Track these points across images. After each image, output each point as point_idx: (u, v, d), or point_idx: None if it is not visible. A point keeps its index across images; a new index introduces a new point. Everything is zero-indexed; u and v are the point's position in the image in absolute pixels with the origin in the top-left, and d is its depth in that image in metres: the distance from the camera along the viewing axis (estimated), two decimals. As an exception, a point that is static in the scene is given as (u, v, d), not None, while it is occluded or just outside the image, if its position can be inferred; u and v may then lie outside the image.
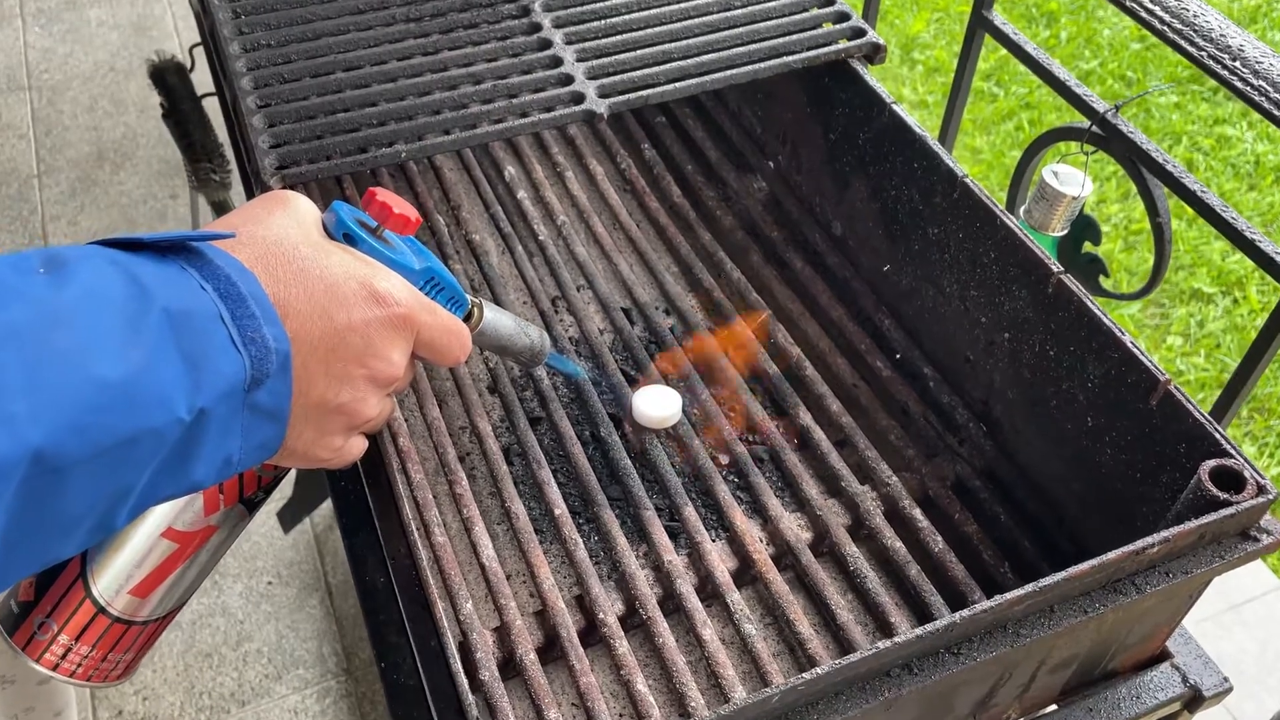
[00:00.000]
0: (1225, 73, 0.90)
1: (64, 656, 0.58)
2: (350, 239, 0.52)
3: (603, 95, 0.78)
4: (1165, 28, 0.95)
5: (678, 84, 0.79)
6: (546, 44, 0.82)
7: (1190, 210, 0.97)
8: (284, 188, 0.70)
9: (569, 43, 0.82)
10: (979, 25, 1.15)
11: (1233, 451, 0.58)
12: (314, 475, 1.09)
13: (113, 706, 1.39)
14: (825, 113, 0.89)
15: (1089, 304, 0.66)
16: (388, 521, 0.64)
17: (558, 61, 0.81)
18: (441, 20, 0.84)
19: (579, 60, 0.81)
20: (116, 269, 0.42)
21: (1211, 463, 0.57)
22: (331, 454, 0.53)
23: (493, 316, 0.62)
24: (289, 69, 0.78)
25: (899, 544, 0.70)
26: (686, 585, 0.67)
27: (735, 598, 0.67)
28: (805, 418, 0.77)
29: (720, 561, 0.69)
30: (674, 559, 0.68)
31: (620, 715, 0.65)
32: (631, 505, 0.72)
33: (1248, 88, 0.89)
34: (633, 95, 0.78)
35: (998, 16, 1.13)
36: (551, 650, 0.66)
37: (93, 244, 0.43)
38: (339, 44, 0.81)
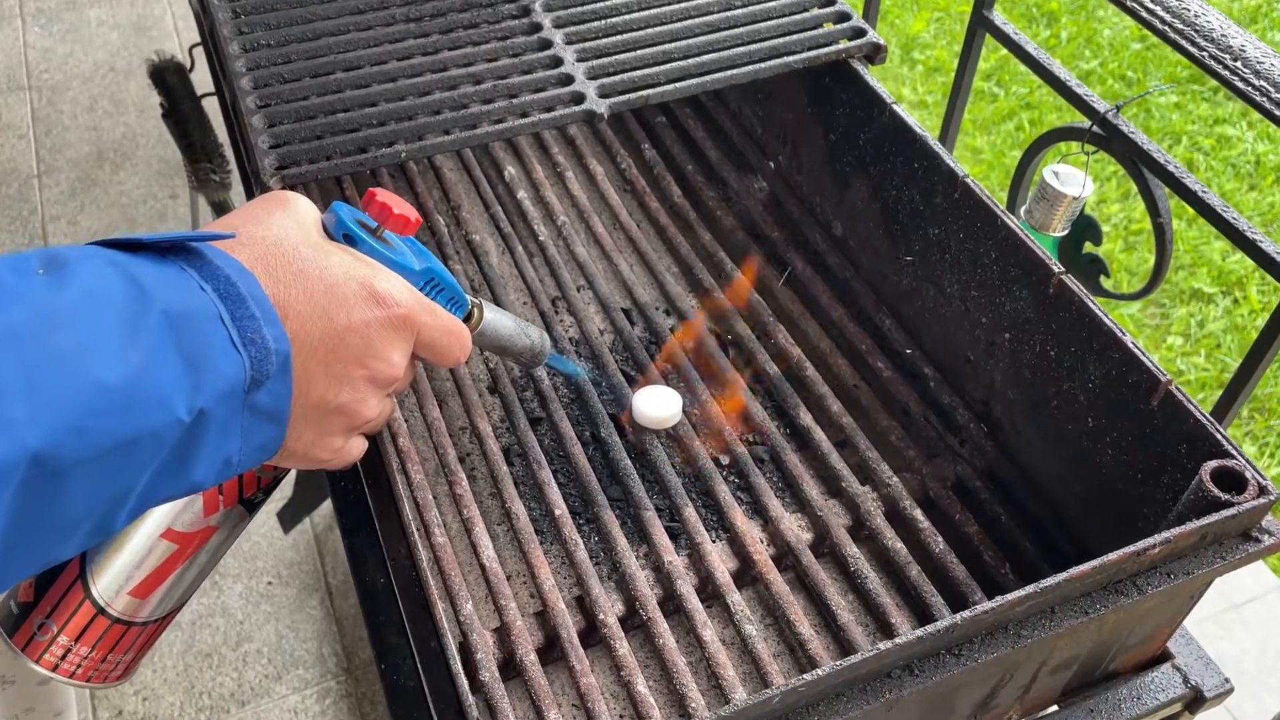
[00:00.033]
0: (1226, 73, 0.90)
1: (64, 657, 0.58)
2: (350, 239, 0.52)
3: (603, 95, 0.78)
4: (1166, 28, 0.95)
5: (678, 84, 0.79)
6: (547, 44, 0.82)
7: (1191, 210, 0.97)
8: (284, 188, 0.70)
9: (569, 43, 0.82)
10: (979, 25, 1.15)
11: (1234, 452, 0.58)
12: (314, 475, 1.09)
13: (113, 707, 1.39)
14: (826, 113, 0.89)
15: (1090, 304, 0.66)
16: (388, 522, 0.64)
17: (558, 61, 0.81)
18: (441, 20, 0.84)
19: (579, 60, 0.81)
20: (116, 270, 0.42)
21: (1213, 463, 0.57)
22: (331, 455, 0.53)
23: (493, 317, 0.61)
24: (289, 69, 0.78)
25: (900, 545, 0.70)
26: (687, 586, 0.67)
27: (736, 598, 0.67)
28: (806, 418, 0.77)
29: (721, 562, 0.69)
30: (674, 559, 0.68)
31: (621, 716, 0.65)
32: (632, 506, 0.72)
33: (1249, 88, 0.89)
34: (633, 95, 0.78)
35: (998, 16, 1.13)
36: (552, 651, 0.66)
37: (92, 244, 0.43)
38: (339, 44, 0.81)
